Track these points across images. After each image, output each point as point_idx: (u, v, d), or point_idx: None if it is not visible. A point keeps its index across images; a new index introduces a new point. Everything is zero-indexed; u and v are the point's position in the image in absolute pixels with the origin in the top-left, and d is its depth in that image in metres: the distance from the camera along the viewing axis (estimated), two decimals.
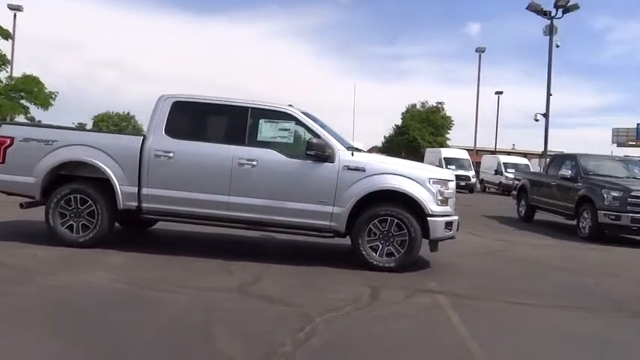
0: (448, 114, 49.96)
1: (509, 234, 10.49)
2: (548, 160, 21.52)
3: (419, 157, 28.09)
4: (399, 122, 51.44)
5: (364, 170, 6.01)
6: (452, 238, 6.31)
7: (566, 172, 11.43)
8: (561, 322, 4.53)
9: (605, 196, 9.91)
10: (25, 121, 27.90)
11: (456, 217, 6.28)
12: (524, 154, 45.06)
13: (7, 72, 30.34)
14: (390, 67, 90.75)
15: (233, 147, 6.08)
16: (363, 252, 5.96)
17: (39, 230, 6.73)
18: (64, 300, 4.24)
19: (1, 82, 29.75)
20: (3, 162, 6.23)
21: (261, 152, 6.09)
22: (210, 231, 7.06)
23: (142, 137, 6.23)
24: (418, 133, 48.18)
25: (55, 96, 30.73)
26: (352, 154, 6.12)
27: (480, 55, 38.73)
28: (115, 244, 6.24)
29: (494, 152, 40.93)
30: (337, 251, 7.00)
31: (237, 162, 6.02)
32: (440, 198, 6.06)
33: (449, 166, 25.59)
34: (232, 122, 6.36)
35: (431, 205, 5.97)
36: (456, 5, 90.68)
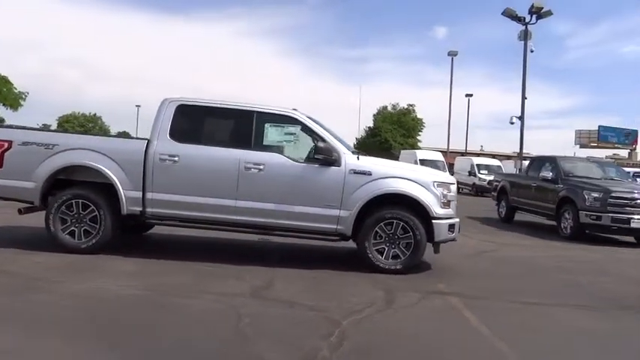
0: (419, 116, 50.73)
1: (493, 235, 10.76)
2: (522, 162, 22.22)
3: (392, 159, 28.33)
4: (371, 124, 51.84)
5: (370, 174, 6.09)
6: (454, 240, 6.46)
7: (547, 173, 11.78)
8: (576, 321, 4.69)
9: (587, 197, 10.28)
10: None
11: (457, 219, 6.44)
12: (493, 156, 46.17)
13: None
14: (356, 69, 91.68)
15: (239, 151, 6.07)
16: (370, 255, 6.03)
17: (35, 236, 6.58)
18: (85, 307, 4.16)
19: None
20: (1, 166, 6.05)
21: (268, 156, 6.10)
22: (209, 235, 7.01)
23: (146, 141, 6.14)
24: (390, 134, 48.68)
25: (26, 96, 29.84)
26: (358, 158, 6.20)
27: (452, 59, 39.49)
28: (116, 249, 6.12)
29: (464, 154, 41.74)
30: (338, 254, 7.07)
31: (244, 166, 6.01)
32: (443, 201, 6.19)
33: None
34: (238, 126, 6.34)
35: (435, 208, 6.10)
36: (422, 10, 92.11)
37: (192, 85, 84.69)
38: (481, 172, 27.81)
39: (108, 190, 6.02)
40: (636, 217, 10.02)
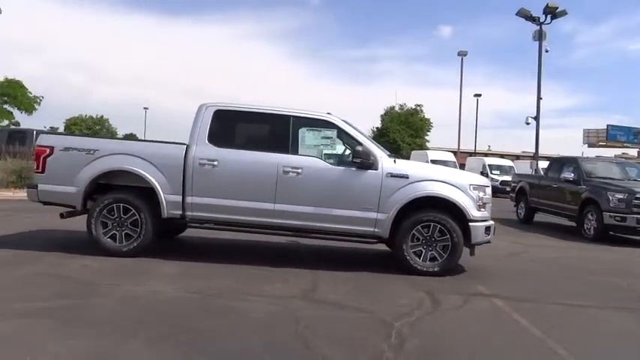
0: (427, 116, 50.76)
1: (517, 236, 10.76)
2: (538, 162, 22.21)
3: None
4: (379, 124, 51.88)
5: (407, 177, 6.14)
6: (489, 242, 6.50)
7: (569, 175, 11.78)
8: (621, 323, 4.73)
9: (611, 198, 10.29)
10: (12, 126, 27.13)
11: (492, 222, 6.48)
12: (502, 155, 46.14)
13: None
14: (363, 69, 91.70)
15: (278, 155, 6.14)
16: (407, 257, 6.09)
17: (73, 239, 6.67)
18: (150, 310, 4.24)
19: None
20: (43, 172, 6.15)
21: (306, 160, 6.16)
22: (240, 237, 7.09)
23: (185, 146, 6.22)
24: (398, 135, 48.71)
25: (40, 100, 29.99)
26: (394, 161, 6.25)
27: (462, 59, 39.37)
28: (155, 253, 6.20)
29: (472, 154, 41.71)
30: (372, 256, 7.13)
31: (283, 170, 6.08)
32: (479, 203, 6.24)
33: None
34: (275, 130, 6.40)
35: (472, 211, 6.15)
36: (427, 9, 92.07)
37: (198, 87, 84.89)
38: (493, 172, 27.80)
39: (148, 194, 6.11)
40: None
